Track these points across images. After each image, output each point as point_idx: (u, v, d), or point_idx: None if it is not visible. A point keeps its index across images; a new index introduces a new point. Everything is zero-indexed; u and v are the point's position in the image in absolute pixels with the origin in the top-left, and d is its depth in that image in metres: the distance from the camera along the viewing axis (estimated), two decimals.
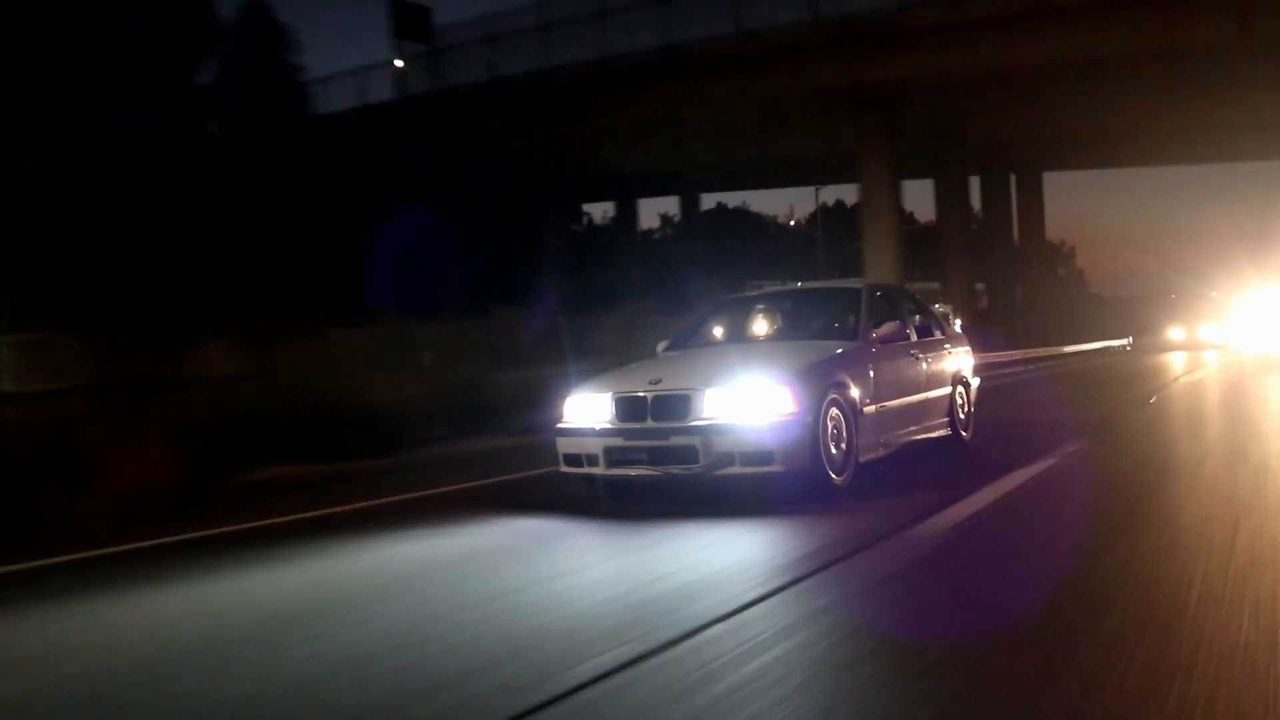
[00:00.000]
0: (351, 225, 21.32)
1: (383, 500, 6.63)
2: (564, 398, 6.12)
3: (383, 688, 2.81)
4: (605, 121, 25.60)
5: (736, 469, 5.39)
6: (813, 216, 45.41)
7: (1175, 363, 22.67)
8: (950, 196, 30.00)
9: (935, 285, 30.68)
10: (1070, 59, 20.89)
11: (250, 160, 21.27)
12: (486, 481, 7.34)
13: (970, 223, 32.40)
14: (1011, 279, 32.76)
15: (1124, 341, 37.86)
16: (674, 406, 5.57)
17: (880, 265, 23.82)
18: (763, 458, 5.36)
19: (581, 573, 4.35)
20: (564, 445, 6.01)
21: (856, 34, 21.73)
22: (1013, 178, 34.39)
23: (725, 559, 4.38)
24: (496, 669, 2.90)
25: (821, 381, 5.69)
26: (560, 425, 6.06)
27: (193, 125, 22.04)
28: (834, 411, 5.73)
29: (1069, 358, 29.87)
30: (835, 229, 43.08)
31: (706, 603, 3.47)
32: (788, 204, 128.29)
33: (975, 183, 32.27)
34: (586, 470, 5.88)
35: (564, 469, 6.06)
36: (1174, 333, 37.97)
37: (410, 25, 26.36)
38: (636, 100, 24.39)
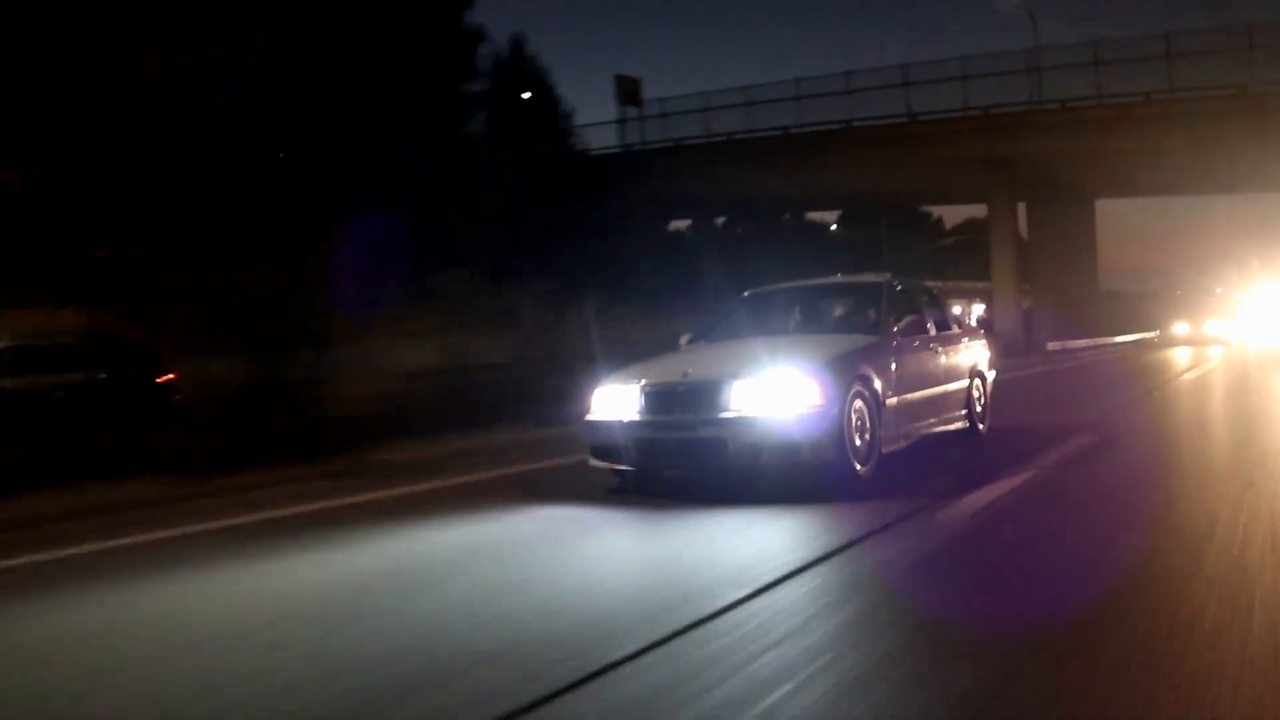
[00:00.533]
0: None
1: None
2: (592, 389, 6.24)
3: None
4: (796, 175, 34.28)
5: (765, 460, 5.51)
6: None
7: (1181, 356, 22.75)
8: (1039, 218, 39.01)
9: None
10: (1145, 146, 30.06)
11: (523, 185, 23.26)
12: None
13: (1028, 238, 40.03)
14: (1064, 283, 39.30)
15: (1154, 334, 40.37)
16: (702, 398, 5.68)
17: (1004, 269, 34.18)
18: (790, 449, 5.48)
19: (617, 556, 4.50)
20: (592, 436, 6.14)
21: (996, 122, 30.96)
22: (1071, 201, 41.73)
23: (754, 544, 4.51)
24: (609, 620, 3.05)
25: (847, 374, 5.81)
26: (588, 417, 6.18)
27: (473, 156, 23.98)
28: (858, 404, 5.84)
29: (1122, 345, 37.77)
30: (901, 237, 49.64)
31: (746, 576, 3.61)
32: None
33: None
34: (615, 462, 6.00)
35: (592, 461, 6.18)
36: (1179, 328, 38.22)
37: (628, 93, 35.42)
38: (817, 159, 33.02)
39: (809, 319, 7.27)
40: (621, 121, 35.89)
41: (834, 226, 58.78)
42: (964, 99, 31.38)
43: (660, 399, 5.83)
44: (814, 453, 5.50)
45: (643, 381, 5.95)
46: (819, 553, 4.07)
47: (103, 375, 10.06)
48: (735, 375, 5.67)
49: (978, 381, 7.95)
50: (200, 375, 11.11)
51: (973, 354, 8.00)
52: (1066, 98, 30.06)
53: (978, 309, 46.68)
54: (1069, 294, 38.90)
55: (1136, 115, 29.14)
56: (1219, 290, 45.89)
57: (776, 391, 5.54)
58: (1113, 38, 32.20)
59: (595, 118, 55.73)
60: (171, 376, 10.56)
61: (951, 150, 31.86)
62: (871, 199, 43.99)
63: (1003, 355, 18.13)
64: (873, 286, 7.20)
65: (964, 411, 7.63)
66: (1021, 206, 36.55)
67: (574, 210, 24.36)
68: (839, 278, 8.04)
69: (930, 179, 37.71)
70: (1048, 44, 39.43)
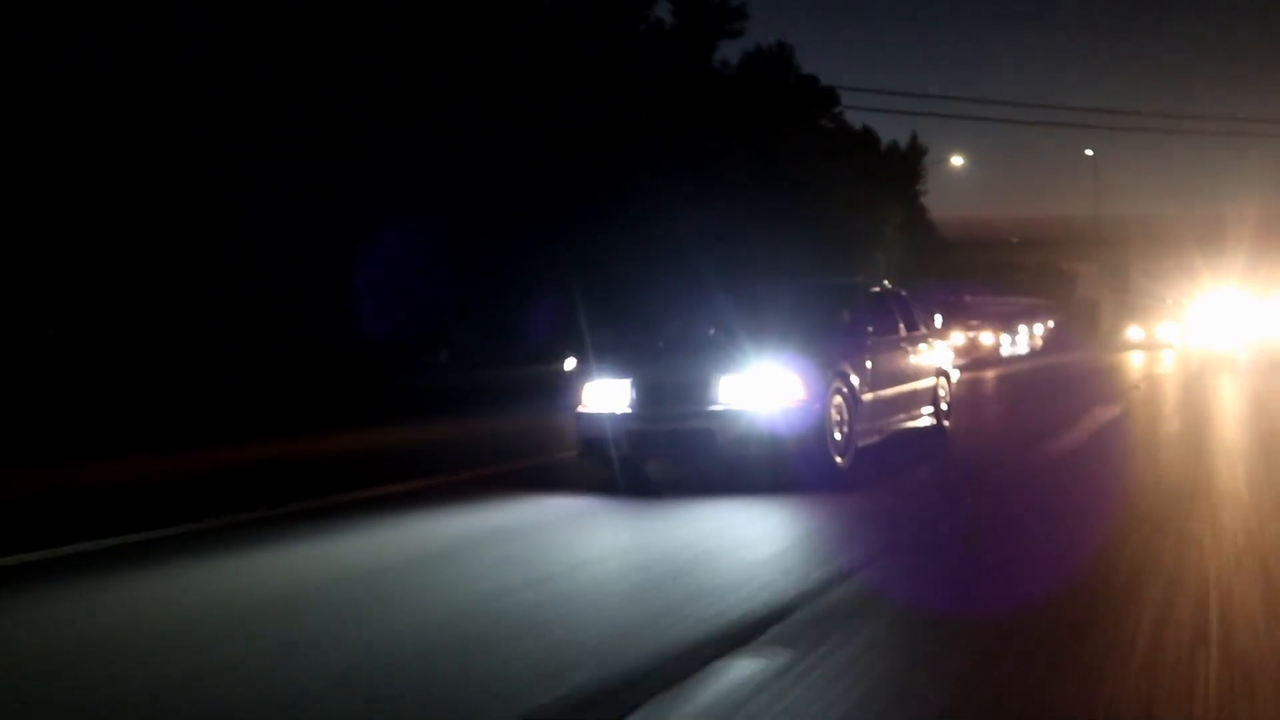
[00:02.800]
0: None
1: None
2: (582, 383, 6.48)
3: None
4: None
5: (751, 451, 5.80)
6: None
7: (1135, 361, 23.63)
8: None
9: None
10: None
11: None
12: None
13: None
14: None
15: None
16: (691, 392, 5.95)
17: None
18: (776, 441, 5.77)
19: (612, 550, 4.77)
20: (583, 429, 6.37)
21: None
22: None
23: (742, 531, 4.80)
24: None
25: (829, 370, 6.12)
26: (579, 410, 6.41)
27: None
28: (838, 399, 6.16)
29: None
30: None
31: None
32: None
33: None
34: (605, 453, 6.23)
35: (583, 452, 6.42)
36: (1132, 332, 39.76)
37: None
38: None
39: (790, 316, 7.52)
40: None
41: None
42: None
43: (650, 392, 6.08)
44: (798, 445, 5.80)
45: (633, 376, 6.20)
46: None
47: None
48: (724, 370, 5.95)
49: (943, 380, 8.32)
50: None
51: (938, 354, 8.37)
52: None
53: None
54: None
55: None
56: (1168, 300, 47.86)
57: (763, 386, 5.83)
58: None
59: None
60: None
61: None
62: None
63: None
64: (849, 287, 7.54)
65: (931, 409, 7.99)
66: None
67: None
68: (818, 278, 8.36)
69: None
70: None
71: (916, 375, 7.70)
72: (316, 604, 3.74)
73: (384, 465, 7.87)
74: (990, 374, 20.52)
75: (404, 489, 6.45)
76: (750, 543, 4.55)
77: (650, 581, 3.92)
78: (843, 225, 28.61)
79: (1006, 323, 38.11)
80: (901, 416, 7.35)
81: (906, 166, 39.90)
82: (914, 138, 40.37)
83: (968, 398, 12.50)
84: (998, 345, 34.08)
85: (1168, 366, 19.57)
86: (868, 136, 37.21)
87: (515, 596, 3.64)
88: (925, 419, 7.87)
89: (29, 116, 12.86)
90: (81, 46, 13.44)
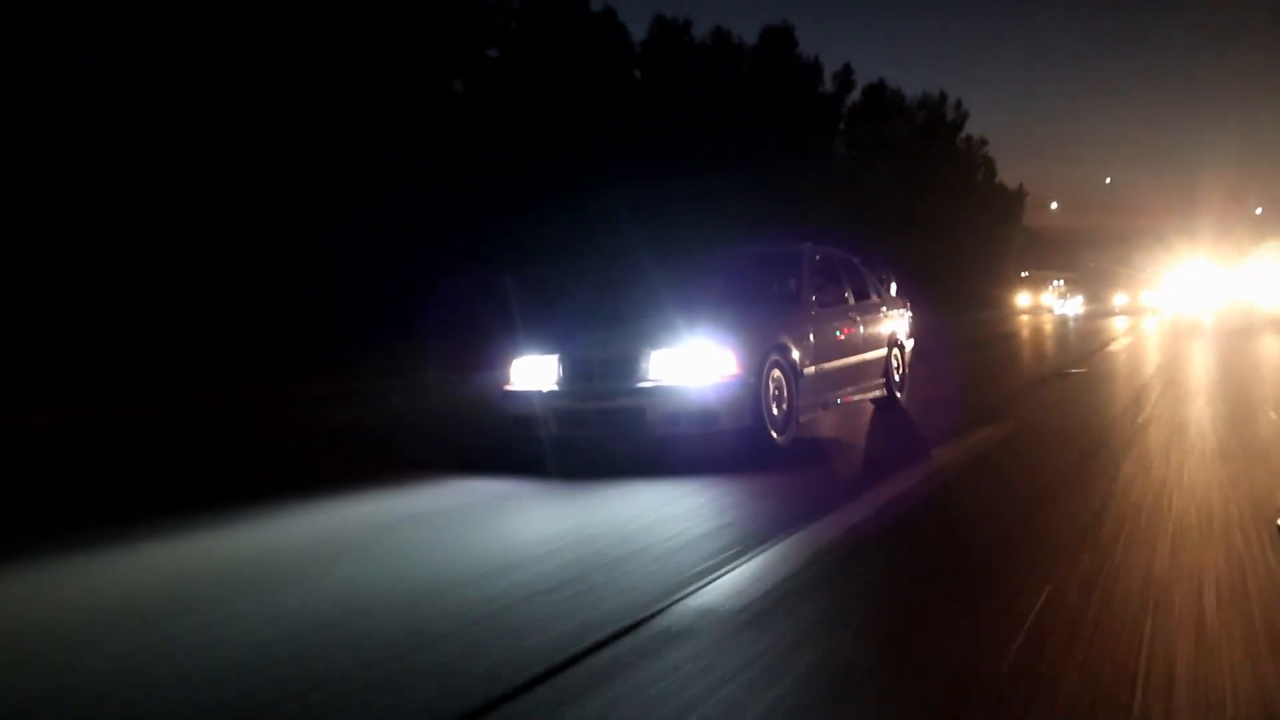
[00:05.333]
0: None
1: None
2: (510, 359, 6.18)
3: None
4: None
5: (683, 429, 5.53)
6: None
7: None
8: None
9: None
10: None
11: None
12: None
13: None
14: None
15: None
16: (620, 368, 5.67)
17: None
18: (708, 418, 5.49)
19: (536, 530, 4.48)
20: (511, 407, 6.08)
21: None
22: None
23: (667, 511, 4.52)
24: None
25: (763, 343, 5.84)
26: (507, 387, 6.12)
27: None
28: (776, 373, 5.88)
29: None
30: None
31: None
32: None
33: None
34: (534, 432, 5.95)
35: (512, 431, 6.13)
36: (1118, 299, 47.56)
37: None
38: None
39: (730, 287, 7.25)
40: None
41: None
42: None
43: (578, 368, 5.80)
44: (731, 421, 5.53)
45: (561, 352, 5.91)
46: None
47: None
48: (653, 345, 5.66)
49: (896, 351, 8.06)
50: None
51: (892, 323, 8.10)
52: None
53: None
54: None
55: None
56: (1146, 270, 54.31)
57: (693, 361, 5.54)
58: None
59: None
60: None
61: None
62: None
63: None
64: (793, 254, 7.23)
65: (882, 380, 7.74)
66: None
67: None
68: (760, 246, 8.04)
69: None
70: None
71: (866, 346, 7.43)
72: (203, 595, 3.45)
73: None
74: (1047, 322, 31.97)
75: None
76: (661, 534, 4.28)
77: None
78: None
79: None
80: (849, 389, 7.09)
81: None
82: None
83: (1032, 338, 21.45)
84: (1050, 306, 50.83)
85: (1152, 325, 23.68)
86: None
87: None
88: (876, 391, 7.62)
89: (29, 116, 12.67)
90: (82, 46, 13.28)
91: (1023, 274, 58.18)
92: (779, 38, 34.92)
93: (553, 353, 5.93)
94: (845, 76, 40.70)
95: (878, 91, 43.82)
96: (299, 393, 13.51)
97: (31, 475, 7.38)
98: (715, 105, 26.95)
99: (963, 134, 52.75)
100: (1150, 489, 4.31)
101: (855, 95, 41.90)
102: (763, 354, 5.77)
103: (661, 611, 2.95)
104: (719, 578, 3.29)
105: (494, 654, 2.67)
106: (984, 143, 55.71)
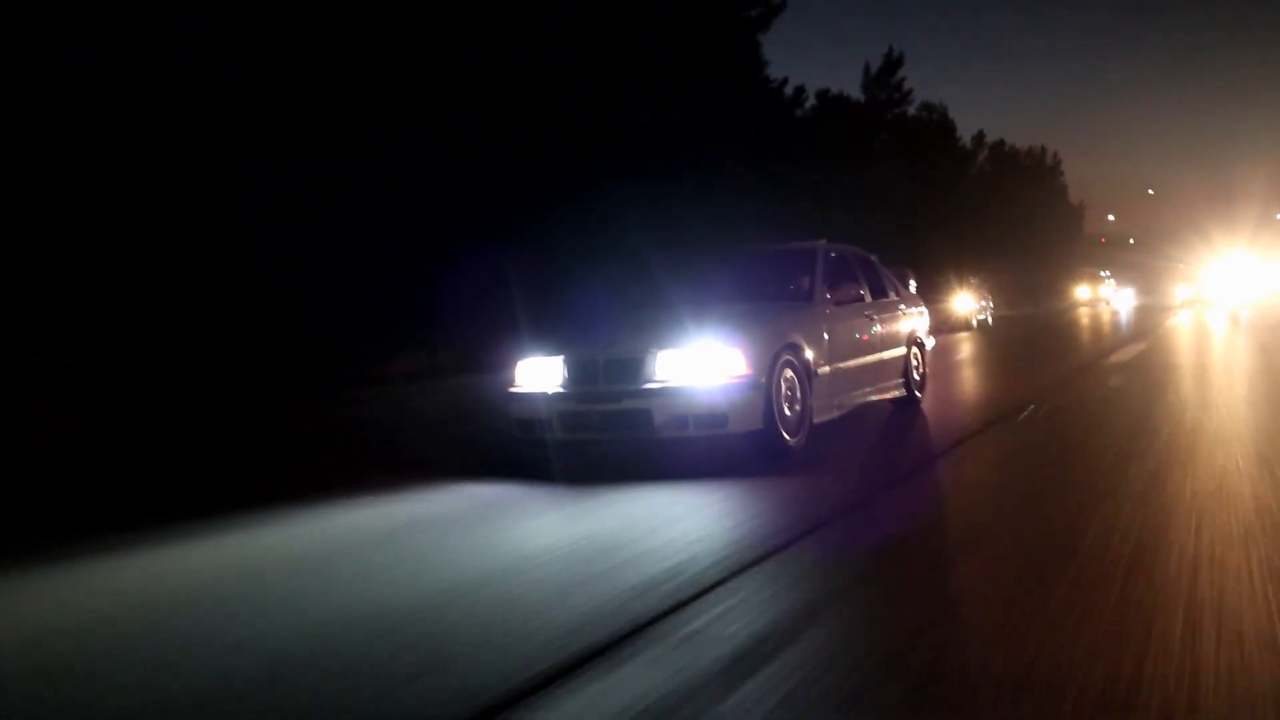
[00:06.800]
0: None
1: None
2: (515, 360, 6.01)
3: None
4: None
5: (691, 431, 5.34)
6: None
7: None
8: None
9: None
10: None
11: None
12: None
13: None
14: None
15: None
16: (626, 369, 5.48)
17: None
18: (716, 420, 5.30)
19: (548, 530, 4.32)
20: (516, 409, 5.91)
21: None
22: None
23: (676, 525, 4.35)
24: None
25: (774, 343, 5.64)
26: (512, 389, 5.96)
27: None
28: (788, 373, 5.68)
29: None
30: None
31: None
32: None
33: None
34: (538, 435, 5.78)
35: (516, 434, 5.96)
36: (1180, 291, 49.16)
37: None
38: None
39: (742, 285, 7.04)
40: None
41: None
42: None
43: (584, 370, 5.62)
44: (741, 423, 5.33)
45: (566, 353, 5.73)
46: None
47: None
48: (660, 345, 5.47)
49: (915, 349, 7.84)
50: None
51: (911, 322, 7.89)
52: None
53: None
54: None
55: None
56: (1181, 265, 56.19)
57: (701, 361, 5.36)
58: None
59: None
60: None
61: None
62: None
63: None
64: (807, 253, 7.02)
65: (901, 380, 7.52)
66: None
67: None
68: (773, 243, 7.84)
69: None
70: None
71: (884, 345, 7.22)
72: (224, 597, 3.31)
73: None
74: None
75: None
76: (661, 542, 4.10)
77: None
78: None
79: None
80: (866, 390, 6.87)
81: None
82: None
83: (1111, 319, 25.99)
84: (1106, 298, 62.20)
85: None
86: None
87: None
88: (894, 391, 7.41)
89: (30, 116, 12.67)
90: (81, 46, 13.26)
91: (1103, 273, 73.69)
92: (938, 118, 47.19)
93: (558, 354, 5.75)
94: (980, 138, 55.55)
95: (999, 147, 59.30)
96: (299, 393, 13.44)
97: (31, 477, 7.30)
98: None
99: (1059, 178, 70.51)
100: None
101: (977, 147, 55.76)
102: (774, 354, 5.57)
103: (664, 617, 2.81)
104: (726, 587, 3.11)
105: (499, 658, 2.56)
106: (1062, 173, 71.15)
